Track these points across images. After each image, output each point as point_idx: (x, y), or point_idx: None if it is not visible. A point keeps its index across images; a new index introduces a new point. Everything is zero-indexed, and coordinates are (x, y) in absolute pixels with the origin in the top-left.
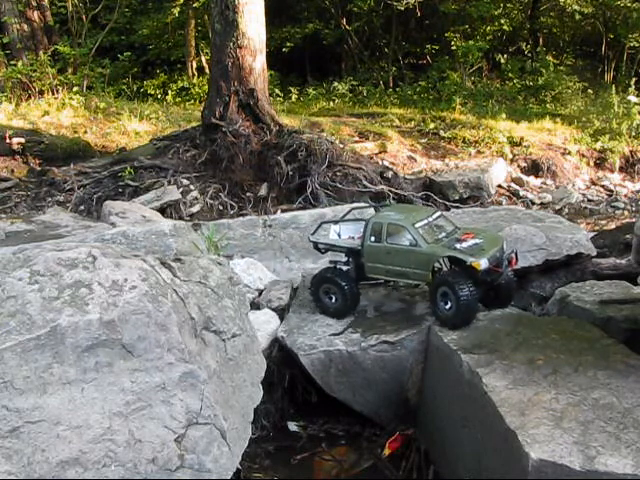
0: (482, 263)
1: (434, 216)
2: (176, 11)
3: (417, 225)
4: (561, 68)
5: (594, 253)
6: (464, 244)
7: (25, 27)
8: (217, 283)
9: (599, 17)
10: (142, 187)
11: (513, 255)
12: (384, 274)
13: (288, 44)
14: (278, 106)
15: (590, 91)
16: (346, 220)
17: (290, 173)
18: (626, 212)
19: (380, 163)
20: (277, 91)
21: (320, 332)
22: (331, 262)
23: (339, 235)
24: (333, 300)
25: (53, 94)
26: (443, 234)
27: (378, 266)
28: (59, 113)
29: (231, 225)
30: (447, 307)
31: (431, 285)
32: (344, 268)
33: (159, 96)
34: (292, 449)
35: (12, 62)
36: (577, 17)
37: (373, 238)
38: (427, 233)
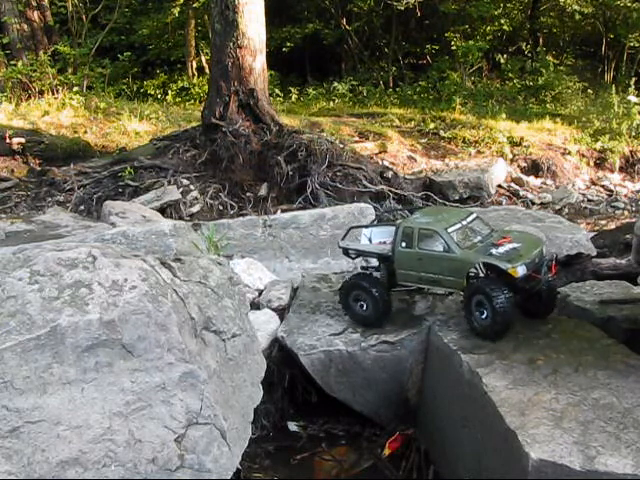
0: (519, 270)
1: (469, 219)
2: (176, 11)
3: (450, 229)
4: (561, 68)
5: (594, 253)
6: (500, 249)
7: (25, 27)
8: (217, 283)
9: (599, 17)
10: (142, 187)
11: (553, 260)
12: (416, 281)
13: (288, 44)
14: (278, 106)
15: (590, 91)
16: (377, 224)
17: (290, 173)
18: (626, 212)
19: (380, 163)
20: (277, 91)
21: (320, 332)
22: (362, 268)
23: (370, 240)
24: (364, 308)
25: (53, 94)
26: (478, 238)
27: (410, 273)
28: (59, 113)
29: (231, 225)
30: (483, 317)
31: (465, 293)
32: (375, 274)
33: (159, 96)
34: (292, 449)
35: (12, 62)
36: (577, 17)
37: (404, 243)
38: (461, 238)
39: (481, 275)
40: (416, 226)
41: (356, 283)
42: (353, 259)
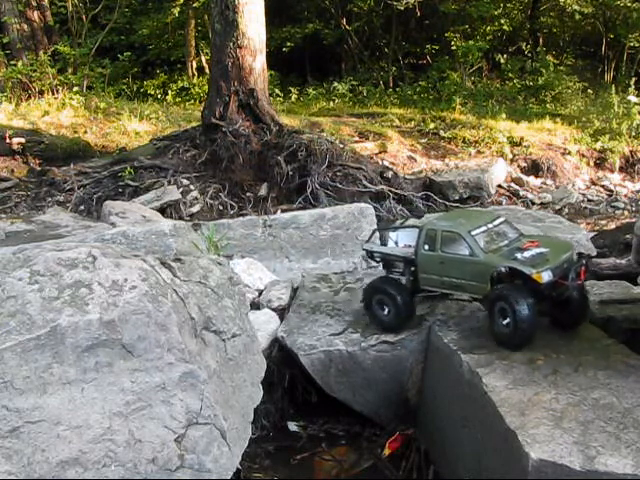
0: (544, 275)
1: (495, 222)
2: (176, 11)
3: (474, 232)
4: (561, 68)
5: (594, 253)
6: (526, 253)
7: (25, 27)
8: (217, 283)
9: (599, 17)
10: (142, 187)
11: (583, 266)
12: (439, 286)
13: (288, 44)
14: (278, 106)
15: (590, 91)
16: (404, 226)
17: (290, 173)
18: (626, 212)
19: (380, 163)
20: (277, 91)
21: (320, 332)
22: (388, 272)
23: (396, 243)
24: (386, 312)
25: (53, 94)
26: (504, 242)
27: (432, 277)
28: (59, 113)
29: (231, 225)
30: (505, 325)
31: (488, 299)
32: (399, 278)
33: (159, 96)
34: (292, 449)
35: (12, 62)
36: (577, 17)
37: (427, 246)
38: (486, 241)
39: (503, 280)
40: (439, 228)
41: (379, 286)
42: (378, 262)
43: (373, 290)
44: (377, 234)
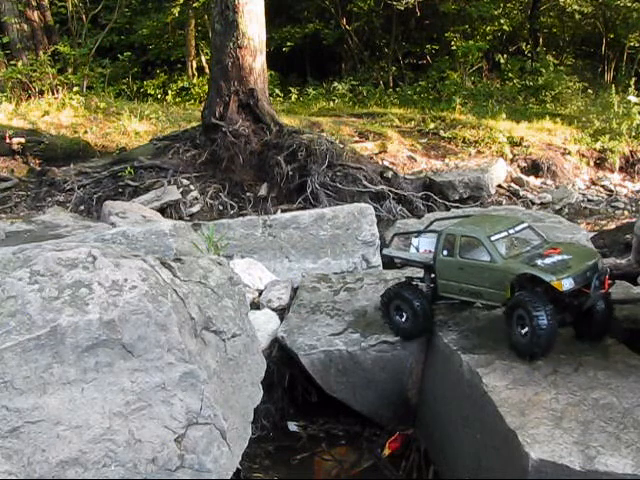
0: (565, 283)
1: (517, 228)
2: (176, 11)
3: (494, 238)
4: (561, 68)
5: None
6: (547, 260)
7: (25, 27)
8: (217, 283)
9: (599, 17)
10: (142, 187)
11: (607, 274)
12: (457, 293)
13: (288, 44)
14: (278, 106)
15: (590, 91)
16: (425, 231)
17: (290, 173)
18: (626, 212)
19: (380, 163)
20: (277, 91)
21: (320, 332)
22: (407, 277)
23: (417, 249)
24: (403, 319)
25: (53, 94)
26: (526, 248)
27: (451, 284)
28: (59, 113)
29: (231, 225)
30: (523, 333)
31: (507, 307)
32: (418, 285)
33: (159, 96)
34: (292, 449)
35: (12, 62)
36: (577, 17)
37: (445, 252)
38: (506, 247)
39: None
40: (458, 233)
41: (398, 293)
42: (400, 268)
43: (391, 296)
44: (396, 239)
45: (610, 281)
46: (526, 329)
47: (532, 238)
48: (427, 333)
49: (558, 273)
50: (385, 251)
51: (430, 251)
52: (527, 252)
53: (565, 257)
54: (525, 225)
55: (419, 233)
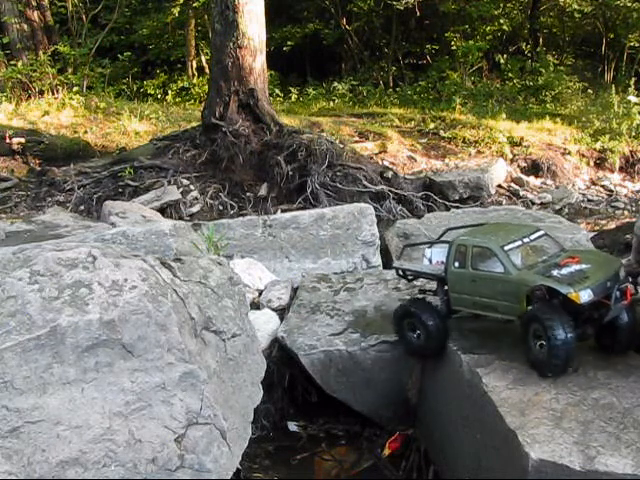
0: (583, 295)
1: (533, 236)
2: (176, 11)
3: (507, 247)
4: (561, 68)
5: None
6: (563, 270)
7: (25, 27)
8: (217, 283)
9: (599, 17)
10: (142, 187)
11: (629, 285)
12: (471, 306)
13: (289, 43)
14: (278, 106)
15: (590, 91)
16: (437, 241)
17: (290, 173)
18: (626, 212)
19: (380, 163)
20: (277, 91)
21: (320, 332)
22: (420, 291)
23: (430, 260)
24: (416, 336)
25: (53, 94)
26: (542, 258)
27: (464, 297)
28: (59, 113)
29: (231, 225)
30: (540, 349)
31: (522, 320)
32: (431, 300)
33: (159, 96)
34: (292, 449)
35: (12, 62)
36: (577, 17)
37: (457, 263)
38: (521, 256)
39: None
40: (470, 243)
41: (408, 310)
42: (410, 281)
43: (402, 314)
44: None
45: (633, 291)
46: (543, 344)
47: (549, 246)
48: (442, 351)
49: (575, 284)
50: (396, 264)
51: (443, 262)
52: (543, 262)
53: (583, 266)
54: (541, 233)
55: (431, 244)
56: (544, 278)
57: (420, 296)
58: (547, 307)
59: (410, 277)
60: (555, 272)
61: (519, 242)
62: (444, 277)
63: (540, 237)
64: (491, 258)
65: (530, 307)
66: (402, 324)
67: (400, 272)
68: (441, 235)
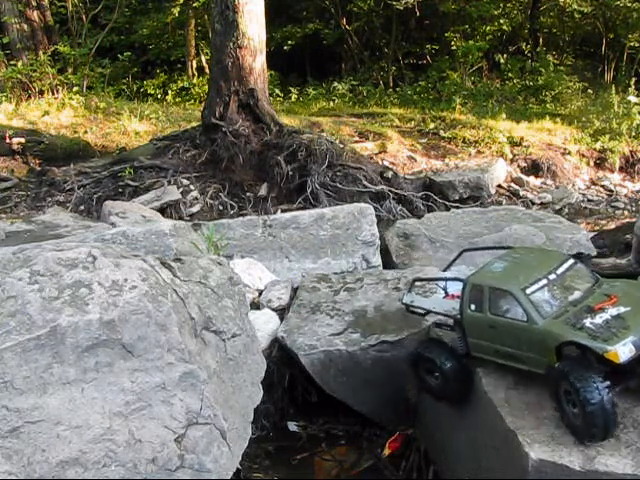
0: (621, 352)
1: (560, 270)
2: (176, 11)
3: (530, 290)
4: (561, 68)
5: (594, 253)
6: (597, 318)
7: (25, 27)
8: (217, 283)
9: (599, 17)
10: (142, 187)
11: None
12: (492, 355)
13: (289, 42)
14: (278, 106)
15: (590, 91)
16: (445, 279)
17: (290, 173)
18: (626, 212)
19: (380, 163)
20: (277, 91)
21: (320, 332)
22: (436, 325)
23: (445, 291)
24: (435, 379)
25: (53, 94)
26: (573, 297)
27: (482, 344)
28: (59, 113)
29: (231, 225)
30: (574, 410)
31: (550, 378)
32: (447, 340)
33: (159, 96)
34: (292, 449)
35: (12, 62)
36: (577, 17)
37: (473, 306)
38: (547, 299)
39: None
40: (486, 284)
41: (421, 355)
42: (423, 316)
43: (417, 359)
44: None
45: None
46: (576, 407)
47: (579, 280)
48: (467, 395)
49: (612, 339)
50: (406, 299)
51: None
52: (573, 304)
53: (622, 310)
54: (570, 263)
55: (446, 280)
56: (575, 332)
57: (436, 332)
58: (578, 364)
59: (421, 314)
60: (588, 321)
61: (544, 281)
62: (460, 319)
63: (570, 268)
64: (512, 302)
65: (560, 362)
66: (419, 369)
67: (410, 309)
68: (456, 258)
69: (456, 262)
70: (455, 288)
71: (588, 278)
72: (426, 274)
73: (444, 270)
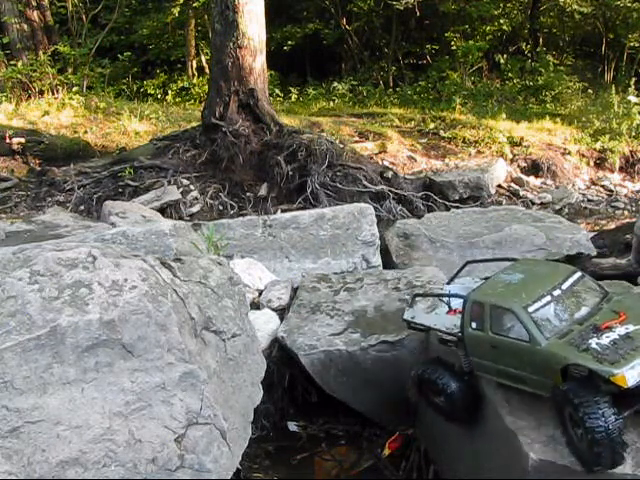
0: (629, 377)
1: (565, 285)
2: (176, 11)
3: (532, 308)
4: (561, 68)
5: (594, 253)
6: (604, 338)
7: (25, 27)
8: (217, 283)
9: (599, 17)
10: (142, 187)
11: None
12: (495, 375)
13: (289, 42)
14: (278, 106)
15: (590, 91)
16: (446, 295)
17: (290, 173)
18: (626, 212)
19: (380, 163)
20: (277, 91)
21: (320, 332)
22: (440, 341)
23: (449, 306)
24: (442, 400)
25: (53, 94)
26: (580, 314)
27: (485, 363)
28: (59, 113)
29: (231, 225)
30: (580, 435)
31: (554, 400)
32: (451, 359)
33: (159, 96)
34: (292, 449)
35: (12, 62)
36: (577, 17)
37: (474, 324)
38: (551, 317)
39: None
40: (487, 301)
41: (423, 377)
42: (423, 330)
43: (419, 382)
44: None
45: None
46: (582, 432)
47: (586, 297)
48: (476, 414)
49: (619, 362)
50: (407, 315)
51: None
52: (579, 322)
53: (631, 329)
54: (577, 277)
55: (449, 296)
56: (579, 353)
57: (438, 349)
58: (583, 388)
59: (422, 330)
60: (594, 342)
61: (547, 298)
62: (462, 337)
63: (576, 282)
64: (514, 321)
65: (565, 383)
66: (422, 391)
67: (411, 325)
68: (460, 269)
69: (461, 273)
70: (459, 302)
71: (596, 292)
72: (426, 274)
73: (448, 282)
